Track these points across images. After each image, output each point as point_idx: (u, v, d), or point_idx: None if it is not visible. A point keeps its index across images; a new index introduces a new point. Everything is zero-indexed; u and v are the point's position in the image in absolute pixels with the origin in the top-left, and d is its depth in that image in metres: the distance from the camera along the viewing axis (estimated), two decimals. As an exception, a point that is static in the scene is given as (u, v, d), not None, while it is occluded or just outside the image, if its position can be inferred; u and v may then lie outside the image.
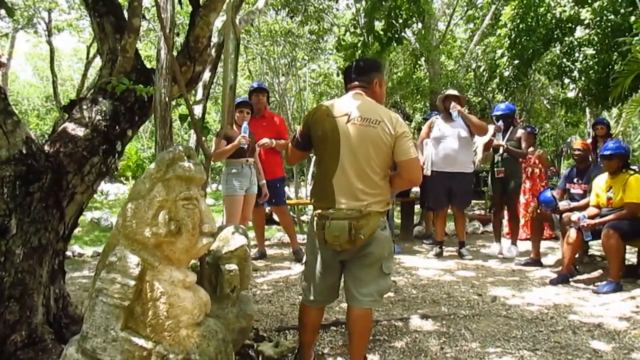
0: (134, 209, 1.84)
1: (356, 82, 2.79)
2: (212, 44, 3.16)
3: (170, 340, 1.80)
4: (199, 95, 2.93)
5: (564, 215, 5.39)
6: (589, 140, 8.90)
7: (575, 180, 5.79)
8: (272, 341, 3.17)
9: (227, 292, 2.49)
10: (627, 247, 5.03)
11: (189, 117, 2.25)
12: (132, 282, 1.77)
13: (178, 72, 2.33)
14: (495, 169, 6.53)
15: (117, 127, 3.19)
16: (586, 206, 5.32)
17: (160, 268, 1.84)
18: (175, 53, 3.60)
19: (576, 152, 5.78)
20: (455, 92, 6.39)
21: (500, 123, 6.51)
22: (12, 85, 28.78)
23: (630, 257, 5.52)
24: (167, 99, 2.57)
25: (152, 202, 1.82)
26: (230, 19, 2.37)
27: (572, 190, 5.77)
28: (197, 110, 2.76)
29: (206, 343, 1.89)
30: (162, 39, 2.62)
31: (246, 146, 5.17)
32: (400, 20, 4.29)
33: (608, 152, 5.02)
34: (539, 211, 5.80)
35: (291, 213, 8.16)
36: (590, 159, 5.98)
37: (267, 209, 7.00)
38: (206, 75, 3.01)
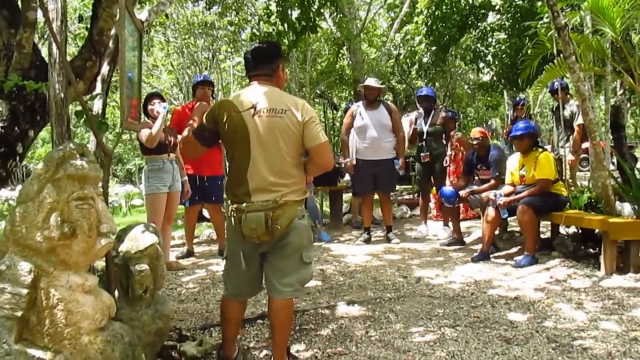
0: (23, 212, 1.72)
1: (261, 71, 2.72)
2: (112, 35, 3.02)
3: (71, 349, 1.70)
4: (98, 89, 2.80)
5: (482, 195, 5.59)
6: (508, 123, 9.32)
7: (479, 166, 6.00)
8: (196, 340, 3.10)
9: (140, 293, 2.40)
10: (542, 221, 5.29)
11: (84, 114, 2.13)
12: (25, 291, 1.66)
13: (67, 66, 2.21)
14: (421, 154, 6.71)
15: (16, 128, 3.01)
16: (488, 189, 5.56)
17: (55, 274, 1.73)
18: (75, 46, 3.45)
19: (475, 142, 5.95)
20: (374, 83, 6.46)
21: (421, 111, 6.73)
22: None
23: (545, 231, 5.81)
24: (62, 95, 2.43)
25: (42, 204, 1.71)
26: (123, 7, 2.26)
27: (481, 177, 5.99)
28: (97, 105, 2.64)
29: (111, 348, 1.80)
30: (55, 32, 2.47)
31: (168, 140, 5.04)
32: (314, 8, 4.29)
33: (519, 133, 5.25)
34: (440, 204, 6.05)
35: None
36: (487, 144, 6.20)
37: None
38: (105, 68, 2.88)
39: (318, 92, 14.20)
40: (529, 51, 6.73)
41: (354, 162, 6.41)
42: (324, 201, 8.74)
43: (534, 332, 3.17)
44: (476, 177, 6.12)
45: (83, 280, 1.79)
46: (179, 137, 2.79)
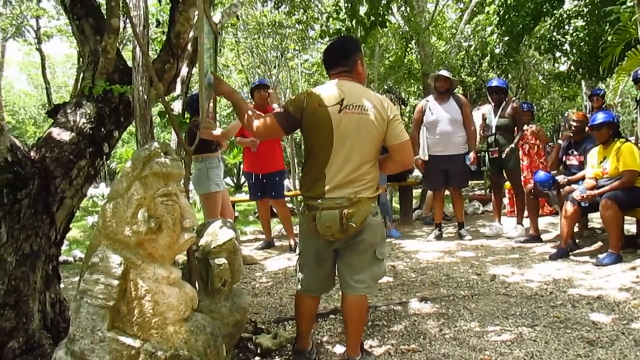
0: (113, 208, 1.83)
1: (341, 68, 2.71)
2: (189, 38, 3.14)
3: (157, 338, 1.80)
4: (178, 91, 2.91)
5: (561, 189, 5.35)
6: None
7: (570, 151, 5.76)
8: (270, 333, 3.18)
9: (219, 286, 2.50)
10: (626, 217, 5.01)
11: (167, 114, 2.23)
12: (116, 282, 1.77)
13: (150, 68, 2.32)
14: (490, 149, 6.52)
15: (102, 129, 3.18)
16: (583, 178, 5.31)
17: (143, 266, 1.83)
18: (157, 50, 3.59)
19: (574, 124, 5.71)
20: (446, 73, 6.36)
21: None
22: (7, 96, 28.77)
23: (630, 228, 5.50)
24: (145, 97, 2.55)
25: (131, 200, 1.81)
26: (202, 10, 2.34)
27: (568, 162, 5.74)
28: (177, 106, 2.75)
29: (194, 338, 1.88)
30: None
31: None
32: (383, 3, 4.26)
33: (597, 122, 5.00)
34: (532, 192, 5.80)
35: (290, 205, 8.13)
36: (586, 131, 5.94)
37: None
38: (184, 70, 3.00)
39: (386, 87, 14.09)
40: (610, 38, 6.38)
41: (425, 158, 6.32)
42: (394, 197, 8.68)
43: (620, 335, 3.02)
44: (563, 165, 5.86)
45: (168, 273, 1.88)
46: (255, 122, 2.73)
